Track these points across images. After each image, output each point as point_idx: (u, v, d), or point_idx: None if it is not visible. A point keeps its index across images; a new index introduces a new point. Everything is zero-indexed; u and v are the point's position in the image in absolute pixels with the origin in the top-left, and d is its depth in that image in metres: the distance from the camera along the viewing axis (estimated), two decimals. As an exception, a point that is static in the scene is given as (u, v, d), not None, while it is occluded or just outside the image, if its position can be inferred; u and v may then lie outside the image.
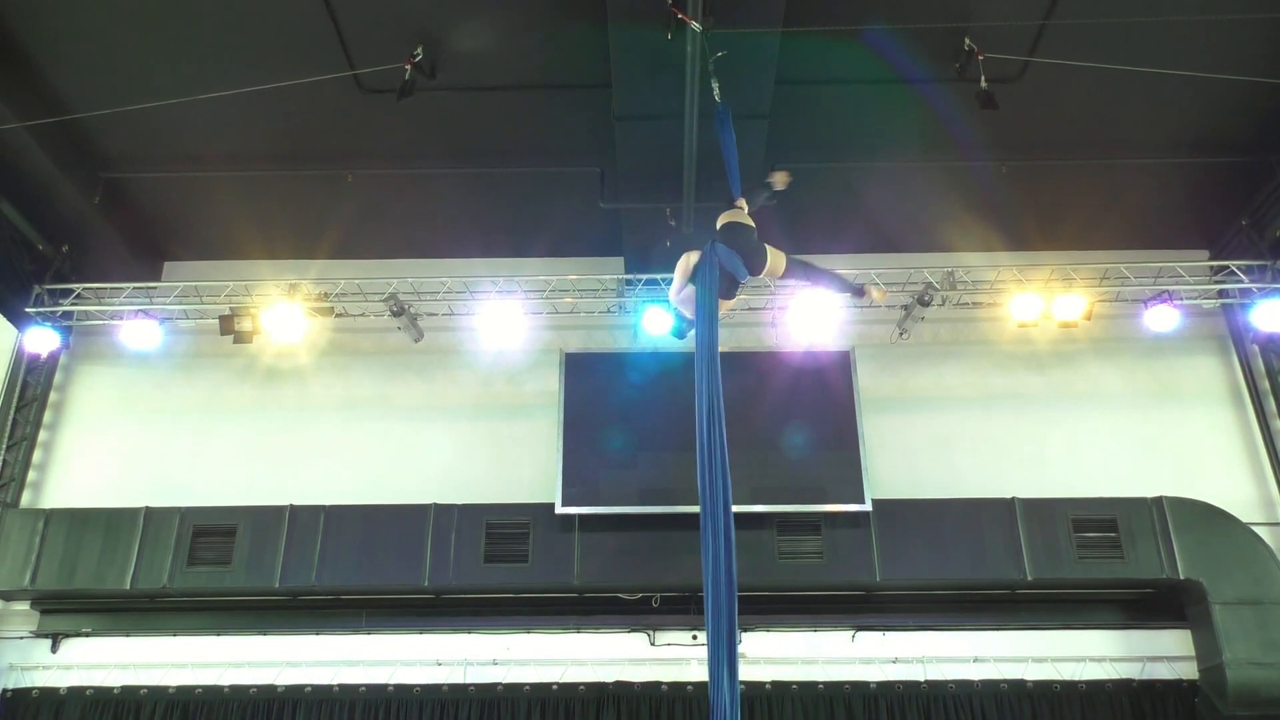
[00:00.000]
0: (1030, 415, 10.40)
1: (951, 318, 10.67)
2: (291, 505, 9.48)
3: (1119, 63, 8.39)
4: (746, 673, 9.22)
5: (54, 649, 9.55)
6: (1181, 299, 10.12)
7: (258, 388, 10.70)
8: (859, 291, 6.76)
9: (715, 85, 7.04)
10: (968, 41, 8.45)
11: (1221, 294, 10.38)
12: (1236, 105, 9.34)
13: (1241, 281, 10.16)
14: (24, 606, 9.64)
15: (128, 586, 9.17)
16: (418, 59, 8.52)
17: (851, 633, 9.51)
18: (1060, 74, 8.64)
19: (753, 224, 6.50)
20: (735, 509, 9.09)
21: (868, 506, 9.22)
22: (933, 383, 10.61)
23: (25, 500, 10.08)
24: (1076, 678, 9.23)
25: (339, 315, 10.41)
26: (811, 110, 9.33)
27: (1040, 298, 10.01)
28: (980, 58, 8.40)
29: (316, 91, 8.69)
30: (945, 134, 9.64)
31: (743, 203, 6.66)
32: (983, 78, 8.39)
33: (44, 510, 9.67)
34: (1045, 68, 8.62)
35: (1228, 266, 10.27)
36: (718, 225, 6.50)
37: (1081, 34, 8.43)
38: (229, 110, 8.95)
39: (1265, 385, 10.38)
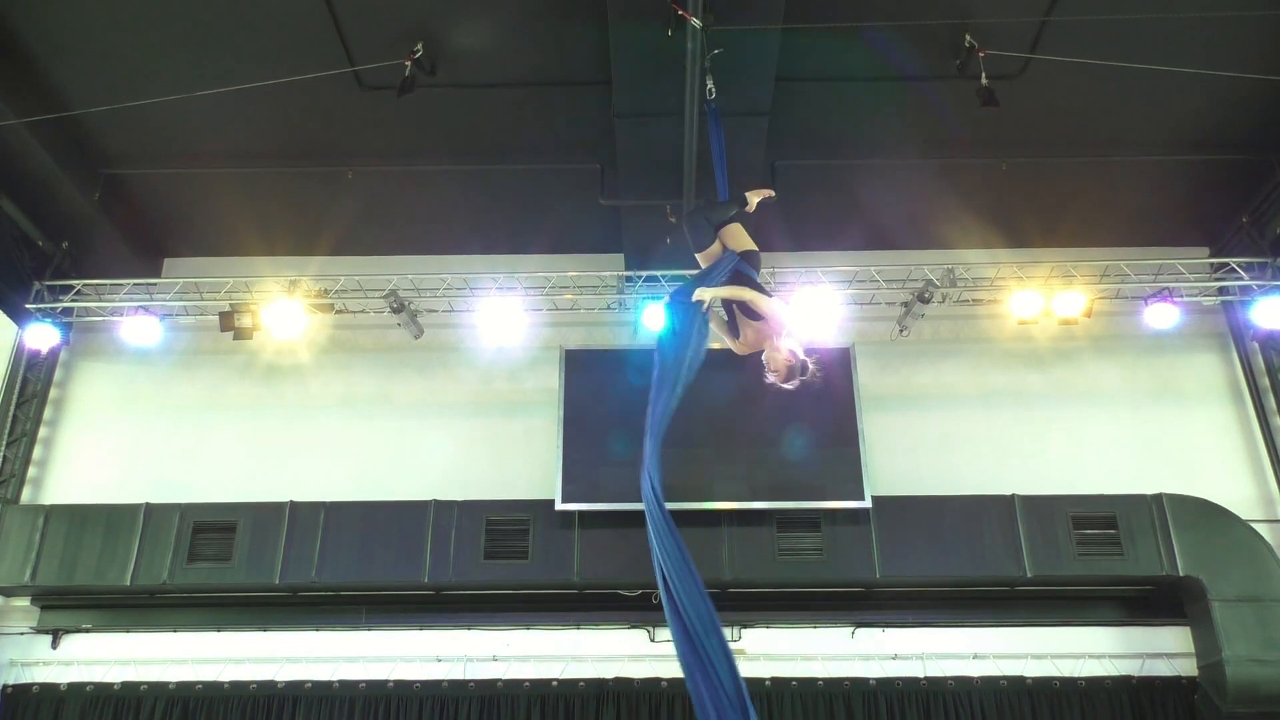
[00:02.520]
0: (1030, 412, 10.40)
1: (951, 315, 10.67)
2: (291, 502, 9.49)
3: (1120, 60, 8.38)
4: (747, 669, 9.19)
5: (54, 645, 9.56)
6: (1182, 296, 10.11)
7: (258, 384, 10.70)
8: (742, 203, 6.20)
9: (710, 83, 7.02)
10: (968, 38, 8.44)
11: (1222, 291, 10.38)
12: (1237, 103, 9.33)
13: (1242, 279, 10.15)
14: (24, 602, 9.65)
15: (128, 583, 9.19)
16: (418, 55, 8.51)
17: (851, 629, 9.52)
18: (1061, 71, 8.65)
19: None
20: (737, 505, 9.22)
21: (867, 503, 9.24)
22: (933, 380, 10.61)
23: (25, 496, 10.08)
24: (1076, 674, 9.24)
25: (339, 312, 10.40)
26: (812, 107, 9.32)
27: (1040, 295, 10.01)
28: (981, 55, 8.39)
29: (316, 88, 8.69)
30: (945, 131, 9.65)
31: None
32: (983, 75, 8.39)
33: (44, 506, 9.69)
34: (1046, 65, 8.61)
35: (1228, 264, 10.27)
36: (740, 249, 5.89)
37: (1082, 31, 8.42)
38: (229, 107, 8.94)
39: (1265, 382, 10.38)
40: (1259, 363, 10.49)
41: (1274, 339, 10.38)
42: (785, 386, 5.54)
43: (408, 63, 8.46)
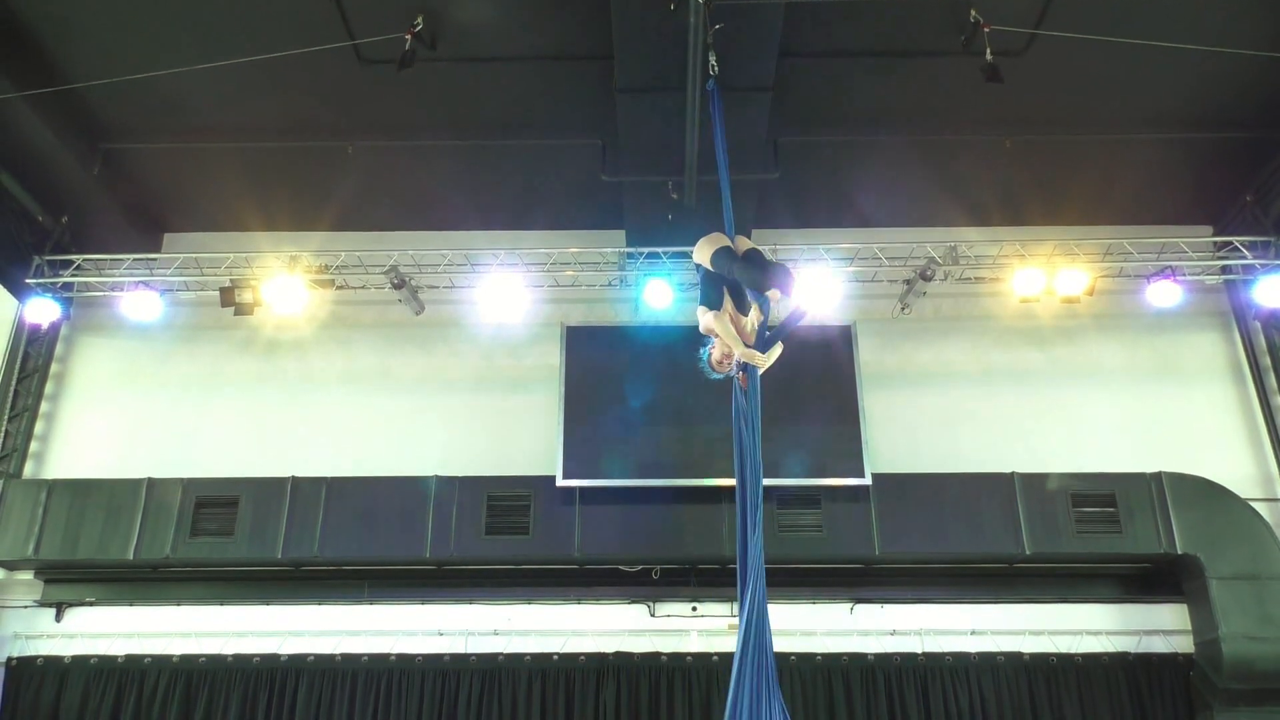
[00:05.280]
0: (1031, 390, 10.41)
1: (953, 293, 10.65)
2: (293, 477, 9.52)
3: (1125, 37, 8.32)
4: (746, 644, 9.30)
5: (58, 618, 9.62)
6: (1184, 275, 10.09)
7: (259, 360, 10.70)
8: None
9: (713, 59, 6.96)
10: (974, 13, 8.36)
11: (1224, 270, 10.35)
12: (1242, 81, 9.26)
13: (1244, 258, 10.13)
14: (28, 576, 9.70)
15: (131, 557, 9.23)
16: (418, 29, 8.45)
17: (850, 605, 9.57)
18: (1066, 48, 8.57)
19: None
20: (735, 482, 9.22)
21: (867, 481, 9.27)
22: (934, 358, 10.60)
23: (28, 471, 10.11)
24: (1073, 651, 9.30)
25: (340, 288, 10.40)
26: (815, 83, 9.26)
27: (1043, 273, 9.99)
28: (986, 30, 8.32)
29: (316, 62, 8.62)
30: (949, 108, 9.60)
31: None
32: (988, 51, 8.33)
33: (47, 481, 9.72)
34: (1051, 41, 8.55)
35: (1231, 242, 10.24)
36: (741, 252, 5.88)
37: (1088, 7, 8.37)
38: (229, 81, 8.89)
39: (1266, 361, 10.38)
40: (1261, 342, 10.48)
41: (1276, 318, 10.36)
42: (715, 370, 5.93)
43: (408, 37, 8.40)
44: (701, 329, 5.90)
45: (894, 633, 9.43)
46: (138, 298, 10.13)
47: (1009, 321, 10.65)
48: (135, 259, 10.44)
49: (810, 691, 9.13)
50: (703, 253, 5.95)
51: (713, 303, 5.82)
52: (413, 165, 10.43)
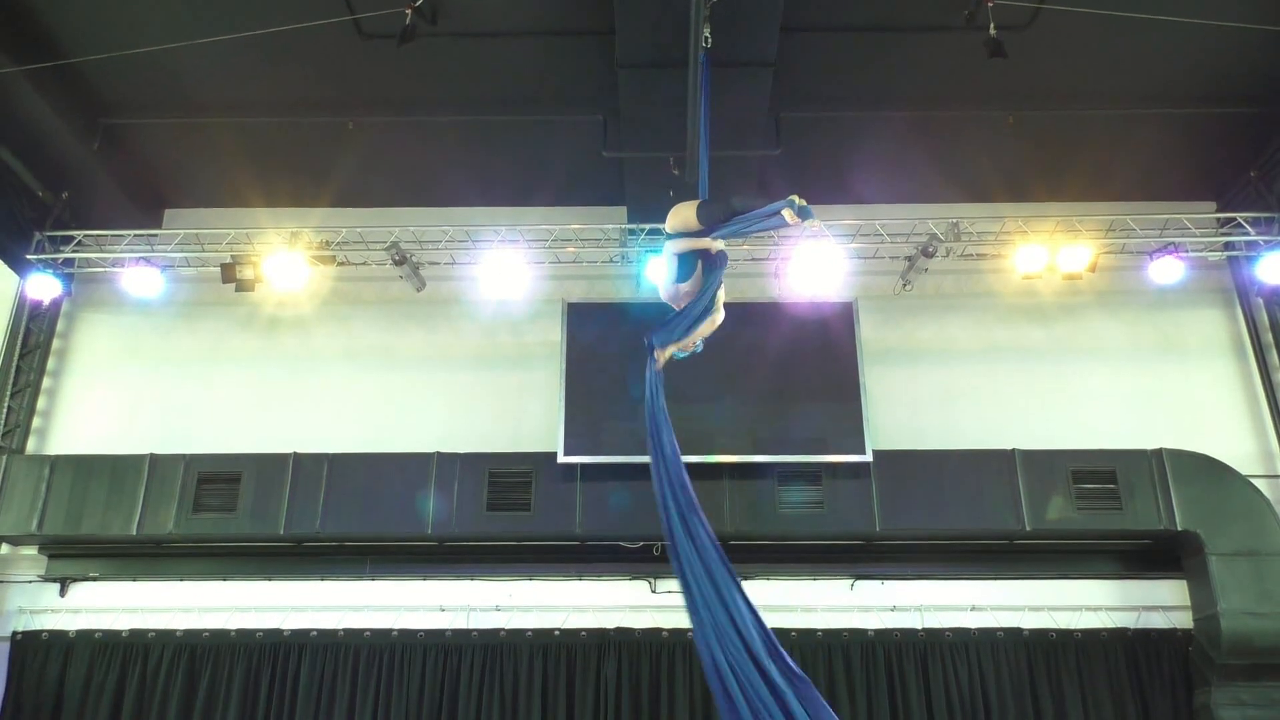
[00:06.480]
0: (1033, 367, 10.40)
1: (955, 269, 10.62)
2: (295, 453, 9.54)
3: (1130, 11, 8.26)
4: (746, 620, 9.34)
5: (62, 593, 9.67)
6: (1187, 251, 10.06)
7: (260, 336, 10.70)
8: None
9: (707, 31, 6.91)
10: (978, -12, 8.31)
11: (1227, 246, 10.31)
12: (1247, 55, 9.19)
13: (1248, 234, 10.09)
14: (31, 551, 9.74)
15: (134, 533, 9.27)
16: (418, 4, 8.38)
17: (850, 581, 9.61)
18: (1070, 23, 8.51)
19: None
20: (738, 459, 9.25)
21: (868, 457, 9.26)
22: (936, 334, 10.60)
23: (30, 447, 10.14)
24: (1072, 626, 9.34)
25: (341, 264, 10.37)
26: (817, 59, 9.20)
27: (1045, 249, 9.95)
28: (990, 4, 8.26)
29: (317, 38, 8.57)
30: (952, 84, 9.53)
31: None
32: (991, 25, 8.26)
33: (49, 457, 9.74)
34: (1055, 16, 8.48)
35: (1234, 219, 10.20)
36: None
37: (1093, -20, 8.31)
38: (229, 56, 8.84)
39: (1269, 338, 10.36)
40: (1263, 318, 10.45)
41: (1278, 295, 10.34)
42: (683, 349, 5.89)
43: (408, 11, 8.33)
44: (663, 296, 5.85)
45: (894, 609, 9.47)
46: (139, 274, 10.12)
47: (1011, 298, 10.63)
48: (136, 235, 10.42)
49: (810, 667, 9.14)
50: (679, 217, 5.63)
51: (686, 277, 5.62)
52: (413, 141, 10.38)
